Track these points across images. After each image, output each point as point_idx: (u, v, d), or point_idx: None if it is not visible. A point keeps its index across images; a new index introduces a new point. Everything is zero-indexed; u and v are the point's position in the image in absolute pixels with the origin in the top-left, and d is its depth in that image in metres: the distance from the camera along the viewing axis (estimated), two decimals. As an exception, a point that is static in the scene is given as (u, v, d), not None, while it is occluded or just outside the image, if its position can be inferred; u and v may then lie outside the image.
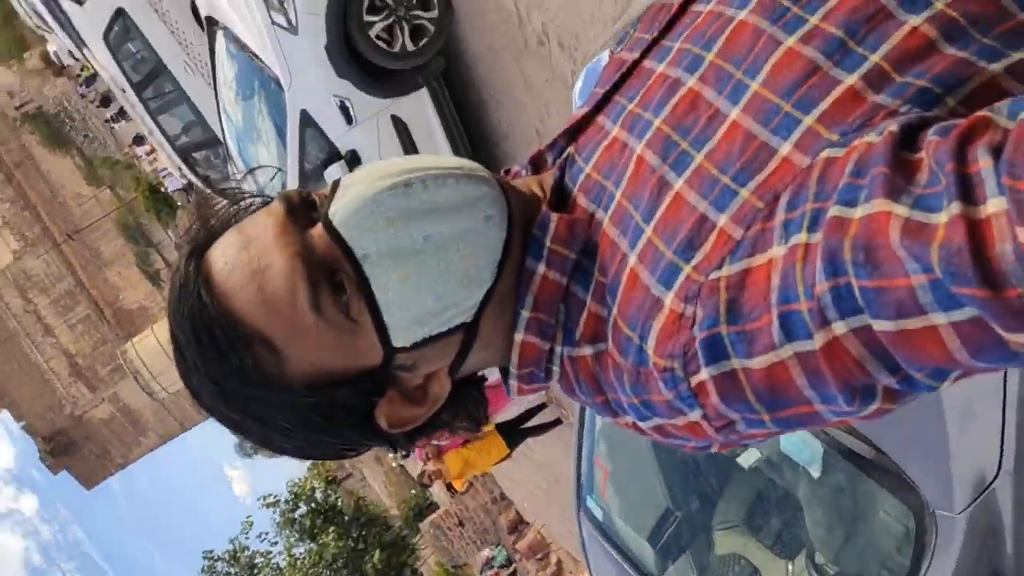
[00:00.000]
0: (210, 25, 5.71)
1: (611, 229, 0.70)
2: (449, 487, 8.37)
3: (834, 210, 0.53)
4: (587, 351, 0.71)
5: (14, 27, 40.63)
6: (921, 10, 0.62)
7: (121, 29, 8.31)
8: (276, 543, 14.68)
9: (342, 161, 5.14)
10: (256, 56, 5.13)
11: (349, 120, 5.08)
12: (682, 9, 0.78)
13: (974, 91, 0.58)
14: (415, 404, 0.76)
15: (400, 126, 5.20)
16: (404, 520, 23.84)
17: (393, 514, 26.34)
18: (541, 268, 0.72)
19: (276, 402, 0.71)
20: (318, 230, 0.69)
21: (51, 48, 36.23)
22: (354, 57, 4.91)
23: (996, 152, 0.48)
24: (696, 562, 2.82)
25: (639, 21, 0.87)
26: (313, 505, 13.94)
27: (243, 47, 5.29)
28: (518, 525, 14.65)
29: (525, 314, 0.73)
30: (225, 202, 0.77)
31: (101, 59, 8.92)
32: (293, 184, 5.32)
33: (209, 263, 0.71)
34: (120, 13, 8.16)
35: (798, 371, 0.56)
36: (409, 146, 5.27)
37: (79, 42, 9.83)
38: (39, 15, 13.67)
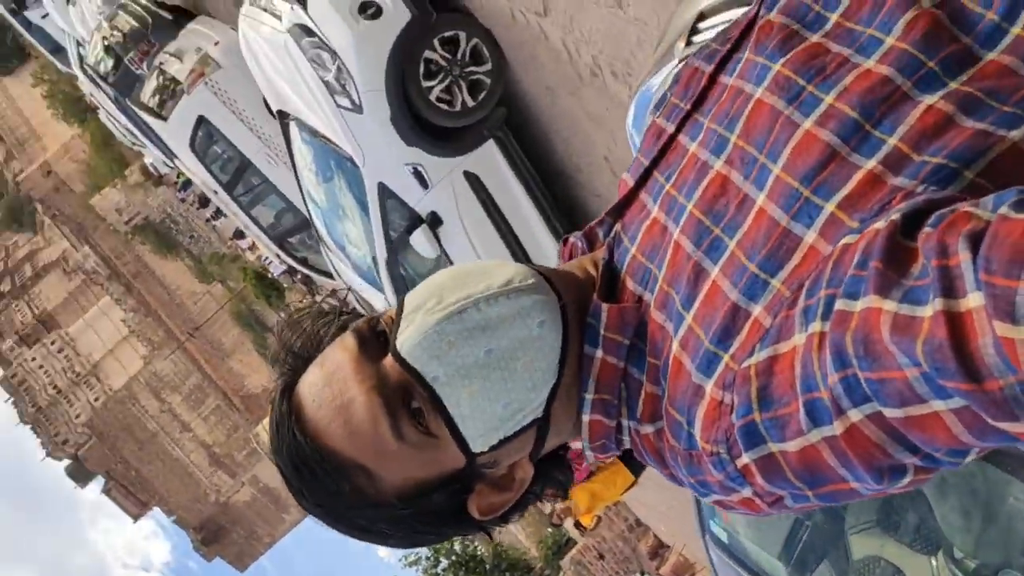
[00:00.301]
0: (282, 118, 6.00)
1: (657, 314, 0.76)
2: (577, 525, 8.31)
3: (839, 303, 0.56)
4: (648, 429, 0.76)
5: (112, 147, 43.46)
6: (937, 90, 0.64)
7: (204, 135, 8.78)
8: (424, 601, 14.91)
9: (424, 225, 5.29)
10: (328, 140, 5.36)
11: (424, 184, 5.23)
12: (712, 79, 0.82)
13: (994, 161, 0.60)
14: (503, 491, 0.82)
15: (474, 181, 5.33)
16: (544, 560, 23.79)
17: (533, 555, 26.33)
18: (599, 354, 0.78)
19: (377, 516, 0.79)
20: (389, 360, 0.76)
21: (147, 160, 38.49)
22: (419, 123, 5.07)
23: (975, 245, 0.48)
24: (835, 570, 2.74)
25: (675, 82, 0.90)
26: (454, 558, 14.08)
27: (315, 133, 5.53)
28: (659, 550, 14.39)
29: (589, 396, 0.78)
30: (308, 324, 0.84)
31: (191, 166, 9.45)
32: (382, 257, 5.50)
33: (299, 399, 0.78)
34: (201, 121, 8.64)
35: (828, 453, 0.58)
36: (486, 198, 5.38)
37: (169, 154, 10.43)
38: (131, 132, 14.53)
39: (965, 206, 0.52)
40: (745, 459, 0.64)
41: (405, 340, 0.76)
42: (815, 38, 0.73)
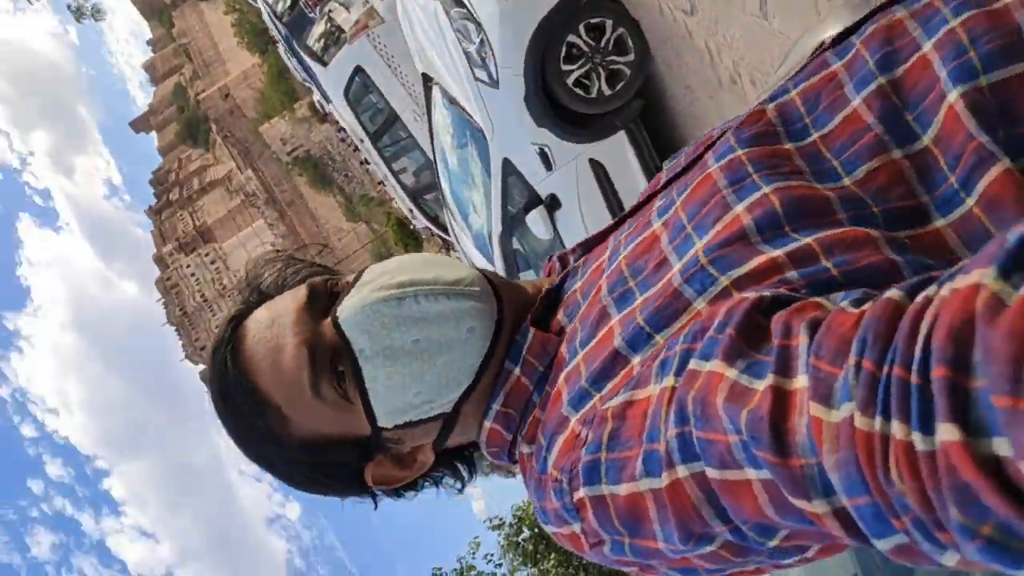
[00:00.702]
0: (426, 80, 6.14)
1: (564, 347, 0.80)
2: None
3: (693, 362, 0.58)
4: (526, 449, 0.80)
5: (286, 81, 45.54)
6: (872, 229, 0.63)
7: (359, 85, 9.08)
8: (500, 565, 15.14)
9: (542, 206, 5.31)
10: (464, 109, 5.45)
11: (549, 166, 5.24)
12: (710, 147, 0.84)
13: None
14: (403, 468, 0.89)
15: (598, 169, 5.30)
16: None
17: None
18: (516, 372, 0.83)
19: (281, 456, 0.86)
20: (328, 322, 0.82)
21: (316, 97, 40.23)
22: (552, 105, 5.08)
23: (814, 331, 0.50)
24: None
25: (696, 142, 0.92)
26: (536, 530, 14.27)
27: (453, 101, 5.63)
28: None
29: (495, 407, 0.83)
30: (277, 268, 0.93)
31: (342, 112, 9.81)
32: (497, 231, 5.57)
33: (243, 332, 0.85)
34: (358, 70, 8.93)
35: (651, 504, 0.61)
36: (608, 188, 5.35)
37: (326, 97, 10.86)
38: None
39: (819, 298, 0.55)
40: (581, 493, 0.67)
41: (345, 309, 0.82)
42: (788, 145, 0.72)
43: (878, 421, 0.43)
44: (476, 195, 6.15)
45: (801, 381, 0.49)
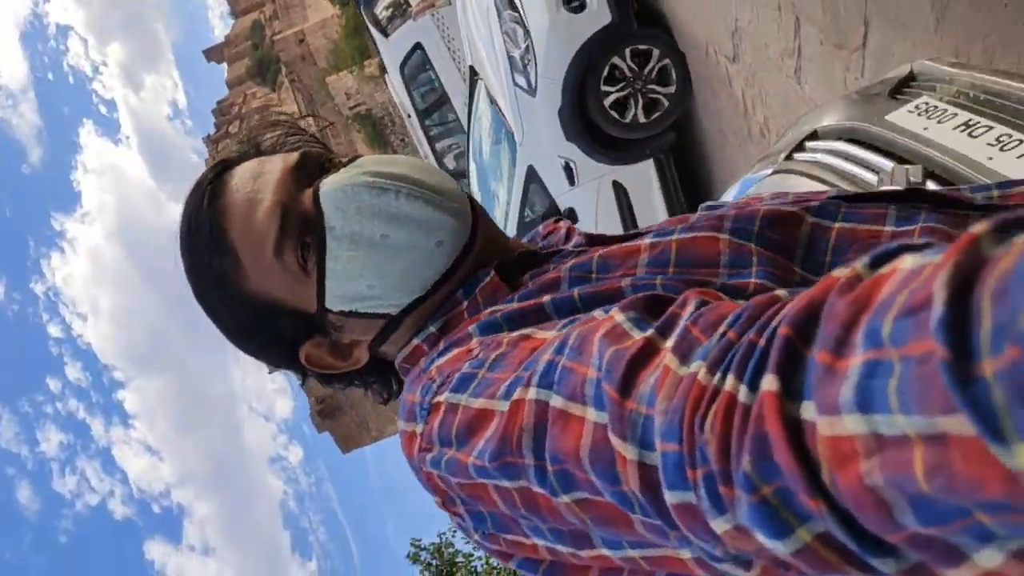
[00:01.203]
0: (472, 74, 6.18)
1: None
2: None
3: (598, 311, 0.63)
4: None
5: (360, 37, 45.83)
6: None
7: (417, 61, 9.14)
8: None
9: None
10: (500, 110, 5.49)
11: (572, 180, 5.27)
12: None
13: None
14: (338, 357, 0.90)
15: (620, 191, 5.31)
16: None
17: None
18: (464, 304, 0.84)
19: (227, 305, 0.87)
20: (309, 192, 0.84)
21: (386, 59, 40.37)
22: (585, 122, 5.10)
23: (702, 307, 0.54)
24: None
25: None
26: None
27: (493, 100, 5.67)
28: None
29: (432, 328, 0.84)
30: (280, 130, 0.94)
31: (395, 84, 9.88)
32: (513, 222, 5.61)
33: (228, 177, 0.87)
34: (417, 47, 8.99)
35: (493, 423, 0.63)
36: (627, 211, 5.36)
37: (382, 67, 10.93)
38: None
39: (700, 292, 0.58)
40: (442, 397, 0.69)
41: (328, 183, 0.83)
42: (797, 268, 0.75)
43: (716, 377, 0.45)
44: (502, 191, 6.20)
45: (671, 341, 0.51)
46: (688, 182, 5.41)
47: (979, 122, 1.78)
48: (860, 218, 0.76)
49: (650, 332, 0.53)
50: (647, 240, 0.78)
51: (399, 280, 0.83)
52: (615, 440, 0.51)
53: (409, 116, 10.08)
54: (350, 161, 0.87)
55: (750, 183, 2.58)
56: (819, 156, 2.12)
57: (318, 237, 0.82)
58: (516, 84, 5.09)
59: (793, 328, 0.41)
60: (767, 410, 0.40)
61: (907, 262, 0.36)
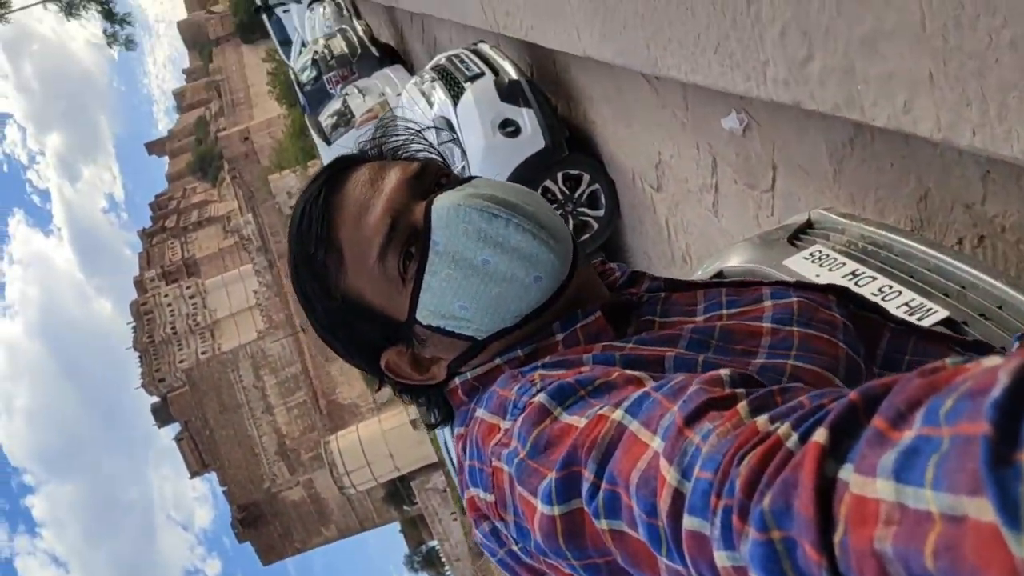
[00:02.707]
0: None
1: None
2: None
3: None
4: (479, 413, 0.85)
5: (305, 139, 46.48)
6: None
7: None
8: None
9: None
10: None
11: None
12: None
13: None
14: (416, 370, 0.92)
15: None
16: None
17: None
18: (559, 337, 0.86)
19: (320, 296, 0.90)
20: (422, 205, 0.87)
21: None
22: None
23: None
24: None
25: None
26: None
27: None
28: None
29: (519, 353, 0.87)
30: (404, 137, 0.97)
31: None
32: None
33: (349, 175, 0.90)
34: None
35: (570, 438, 0.66)
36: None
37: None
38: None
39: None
40: (536, 398, 0.72)
41: (442, 199, 0.86)
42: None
43: (774, 425, 0.47)
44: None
45: (752, 397, 0.54)
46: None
47: (865, 272, 1.94)
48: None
49: (741, 391, 0.55)
50: (767, 324, 0.81)
51: (491, 307, 0.85)
52: (663, 463, 0.53)
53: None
54: (466, 180, 0.90)
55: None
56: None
57: (422, 250, 0.85)
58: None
59: (862, 397, 0.42)
60: (807, 459, 0.41)
61: (992, 360, 0.36)
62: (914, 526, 0.34)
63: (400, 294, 0.87)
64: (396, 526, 59.22)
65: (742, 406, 0.52)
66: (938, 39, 1.68)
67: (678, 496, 0.51)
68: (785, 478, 0.42)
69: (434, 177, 0.91)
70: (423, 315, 0.87)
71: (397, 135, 0.96)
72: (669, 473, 0.52)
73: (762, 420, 0.48)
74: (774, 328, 0.81)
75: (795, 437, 0.44)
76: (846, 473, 0.38)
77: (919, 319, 1.68)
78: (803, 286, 0.91)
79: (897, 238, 2.01)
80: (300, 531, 56.69)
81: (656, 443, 0.56)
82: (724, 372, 0.59)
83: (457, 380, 0.90)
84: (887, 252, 1.99)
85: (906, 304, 1.75)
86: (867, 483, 0.37)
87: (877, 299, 1.82)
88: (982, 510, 0.31)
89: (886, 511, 0.35)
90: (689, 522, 0.49)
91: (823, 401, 0.46)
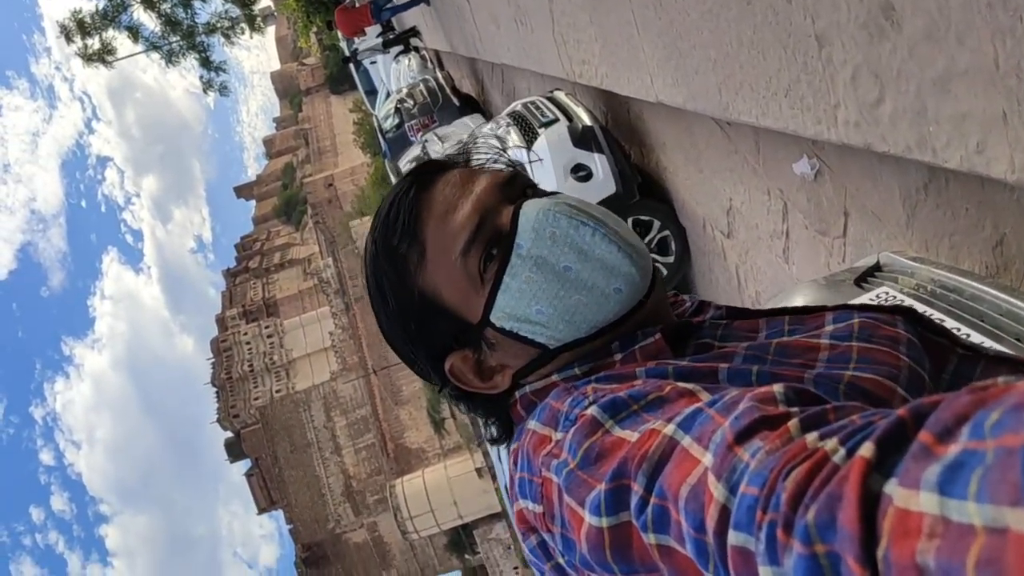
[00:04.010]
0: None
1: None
2: None
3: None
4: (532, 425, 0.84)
5: (387, 185, 47.59)
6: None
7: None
8: None
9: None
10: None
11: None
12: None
13: None
14: (479, 377, 0.91)
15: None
16: None
17: None
18: (617, 357, 0.86)
19: (396, 289, 0.90)
20: (509, 209, 0.89)
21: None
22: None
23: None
24: None
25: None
26: None
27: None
28: None
29: (577, 371, 0.87)
30: (491, 153, 0.98)
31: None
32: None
33: (440, 175, 0.92)
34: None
35: (622, 452, 0.66)
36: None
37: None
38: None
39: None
40: (588, 411, 0.72)
41: (530, 203, 0.88)
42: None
43: (823, 441, 0.47)
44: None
45: (804, 415, 0.53)
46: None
47: (932, 315, 1.89)
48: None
49: (794, 409, 0.54)
50: (825, 340, 0.81)
51: (567, 314, 0.85)
52: (711, 479, 0.53)
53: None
54: (551, 193, 0.92)
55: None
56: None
57: (504, 251, 0.86)
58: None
59: (911, 413, 0.42)
60: (853, 473, 0.41)
61: None
62: (957, 539, 0.34)
63: (477, 294, 0.87)
64: (457, 575, 58.64)
65: (793, 423, 0.51)
66: (1012, 78, 1.66)
67: (724, 512, 0.51)
68: (830, 492, 0.42)
69: (522, 186, 0.93)
70: (497, 317, 0.87)
71: (485, 150, 0.98)
72: (717, 489, 0.52)
73: (812, 437, 0.48)
74: (832, 344, 0.80)
75: (842, 452, 0.44)
76: (891, 487, 0.38)
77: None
78: (868, 307, 0.89)
79: (968, 282, 1.96)
80: (361, 574, 56.69)
81: (707, 459, 0.56)
82: (778, 389, 0.58)
83: (517, 394, 0.90)
84: (957, 296, 1.94)
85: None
86: (911, 496, 0.37)
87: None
88: (1021, 521, 0.31)
89: (929, 524, 0.35)
90: (734, 538, 0.49)
91: (873, 418, 0.46)
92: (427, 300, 0.89)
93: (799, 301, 2.38)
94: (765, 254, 4.05)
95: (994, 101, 1.72)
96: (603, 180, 5.12)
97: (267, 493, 56.96)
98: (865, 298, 2.08)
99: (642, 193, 5.16)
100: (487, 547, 45.57)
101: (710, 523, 0.52)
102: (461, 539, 50.54)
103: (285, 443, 56.17)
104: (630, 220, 5.16)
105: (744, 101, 2.67)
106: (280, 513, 58.62)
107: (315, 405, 56.68)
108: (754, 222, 3.97)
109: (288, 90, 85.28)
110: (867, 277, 2.23)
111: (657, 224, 5.19)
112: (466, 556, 51.83)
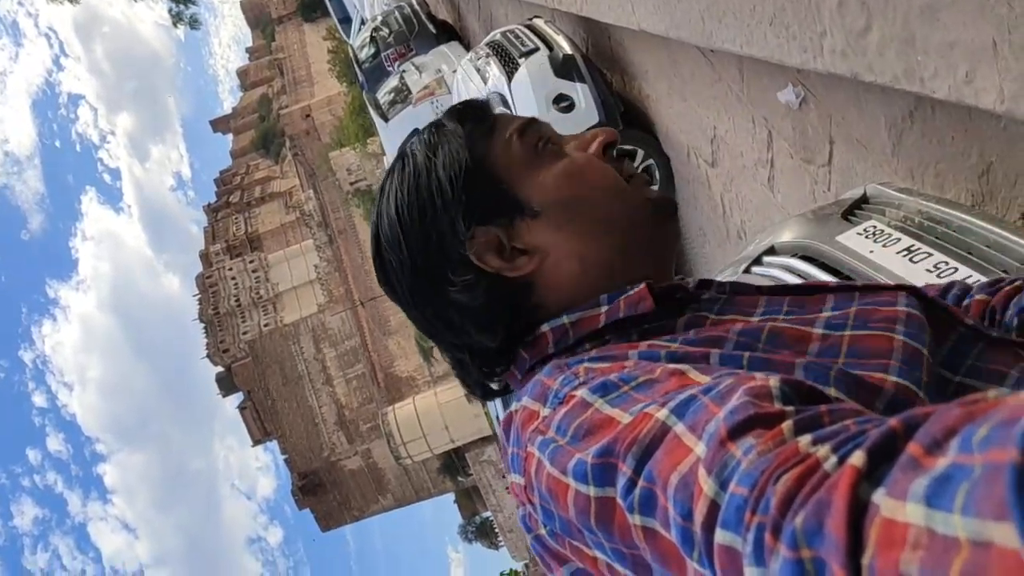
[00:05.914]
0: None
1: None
2: None
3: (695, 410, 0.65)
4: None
5: (364, 116, 46.89)
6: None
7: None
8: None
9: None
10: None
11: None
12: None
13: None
14: (501, 258, 0.91)
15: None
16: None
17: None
18: (604, 308, 0.87)
19: (456, 158, 0.95)
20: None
21: (389, 138, 41.10)
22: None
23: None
24: None
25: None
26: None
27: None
28: None
29: (565, 320, 0.88)
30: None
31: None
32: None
33: (501, 116, 1.03)
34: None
35: (612, 430, 0.66)
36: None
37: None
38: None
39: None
40: (577, 392, 0.73)
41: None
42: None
43: (815, 447, 0.47)
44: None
45: (798, 416, 0.53)
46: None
47: (920, 248, 1.89)
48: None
49: (789, 409, 0.54)
50: (818, 330, 0.80)
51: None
52: (701, 473, 0.53)
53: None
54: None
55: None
56: (774, 271, 2.23)
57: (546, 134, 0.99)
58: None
59: (903, 423, 0.42)
60: (842, 481, 0.41)
61: None
62: (941, 552, 0.34)
63: (530, 173, 0.94)
64: (451, 497, 59.96)
65: (787, 425, 0.52)
66: (1003, 6, 1.62)
67: (713, 507, 0.52)
68: (819, 498, 0.42)
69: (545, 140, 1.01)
70: (546, 190, 0.94)
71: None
72: (707, 484, 0.53)
73: (804, 441, 0.49)
74: (824, 335, 0.80)
75: (834, 459, 0.45)
76: (879, 497, 0.39)
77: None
78: (870, 289, 0.89)
79: (956, 213, 1.95)
80: (358, 499, 57.81)
81: (700, 449, 0.56)
82: (774, 384, 0.58)
83: (546, 326, 0.89)
84: (944, 228, 1.94)
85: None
86: (898, 507, 0.37)
87: (932, 275, 1.78)
88: (1007, 536, 0.31)
89: (914, 535, 0.36)
90: (722, 536, 0.50)
91: (867, 426, 0.47)
92: (486, 168, 0.94)
93: (787, 236, 2.38)
94: (750, 183, 4.02)
95: (983, 30, 1.68)
96: (586, 110, 5.05)
97: (261, 425, 57.56)
98: (852, 232, 2.08)
99: (625, 122, 5.10)
100: (479, 469, 46.48)
101: (698, 516, 0.53)
102: (453, 462, 51.49)
103: (276, 376, 56.55)
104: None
105: (728, 29, 2.61)
106: (275, 445, 59.36)
107: (304, 338, 56.86)
108: (739, 151, 3.94)
109: (260, 19, 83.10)
110: (854, 210, 2.23)
111: (641, 153, 5.14)
112: (459, 478, 52.91)
